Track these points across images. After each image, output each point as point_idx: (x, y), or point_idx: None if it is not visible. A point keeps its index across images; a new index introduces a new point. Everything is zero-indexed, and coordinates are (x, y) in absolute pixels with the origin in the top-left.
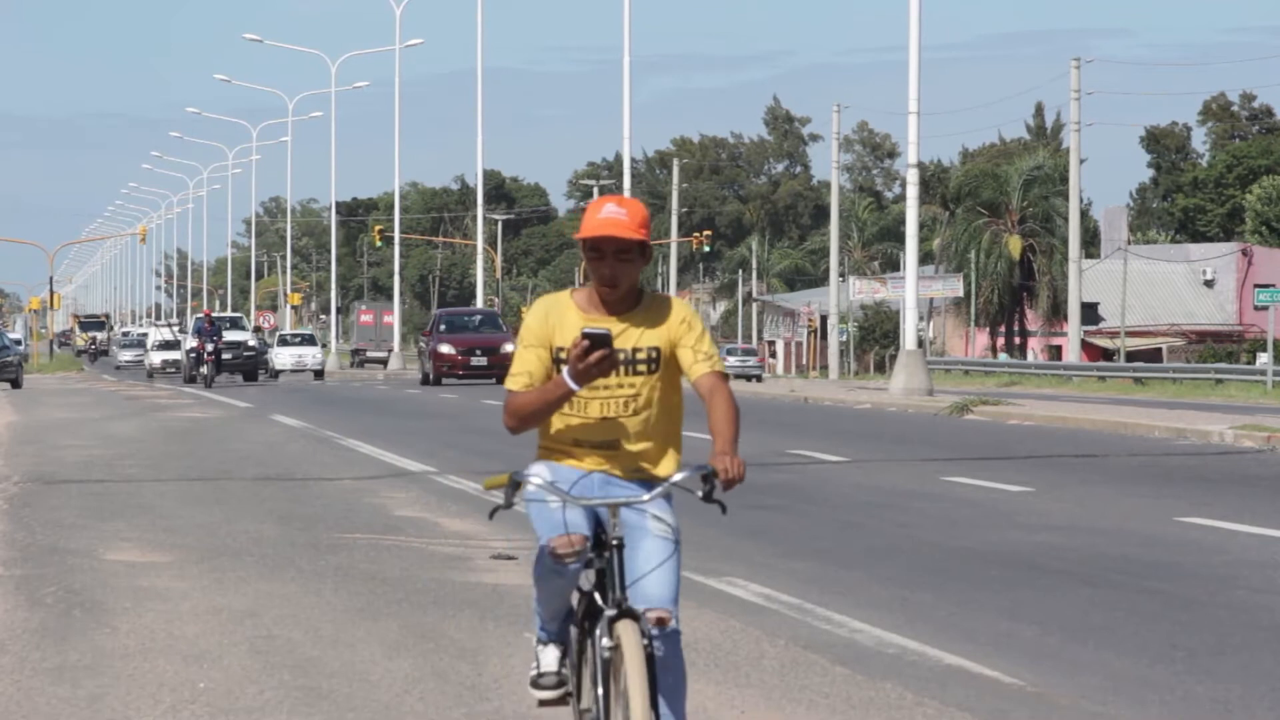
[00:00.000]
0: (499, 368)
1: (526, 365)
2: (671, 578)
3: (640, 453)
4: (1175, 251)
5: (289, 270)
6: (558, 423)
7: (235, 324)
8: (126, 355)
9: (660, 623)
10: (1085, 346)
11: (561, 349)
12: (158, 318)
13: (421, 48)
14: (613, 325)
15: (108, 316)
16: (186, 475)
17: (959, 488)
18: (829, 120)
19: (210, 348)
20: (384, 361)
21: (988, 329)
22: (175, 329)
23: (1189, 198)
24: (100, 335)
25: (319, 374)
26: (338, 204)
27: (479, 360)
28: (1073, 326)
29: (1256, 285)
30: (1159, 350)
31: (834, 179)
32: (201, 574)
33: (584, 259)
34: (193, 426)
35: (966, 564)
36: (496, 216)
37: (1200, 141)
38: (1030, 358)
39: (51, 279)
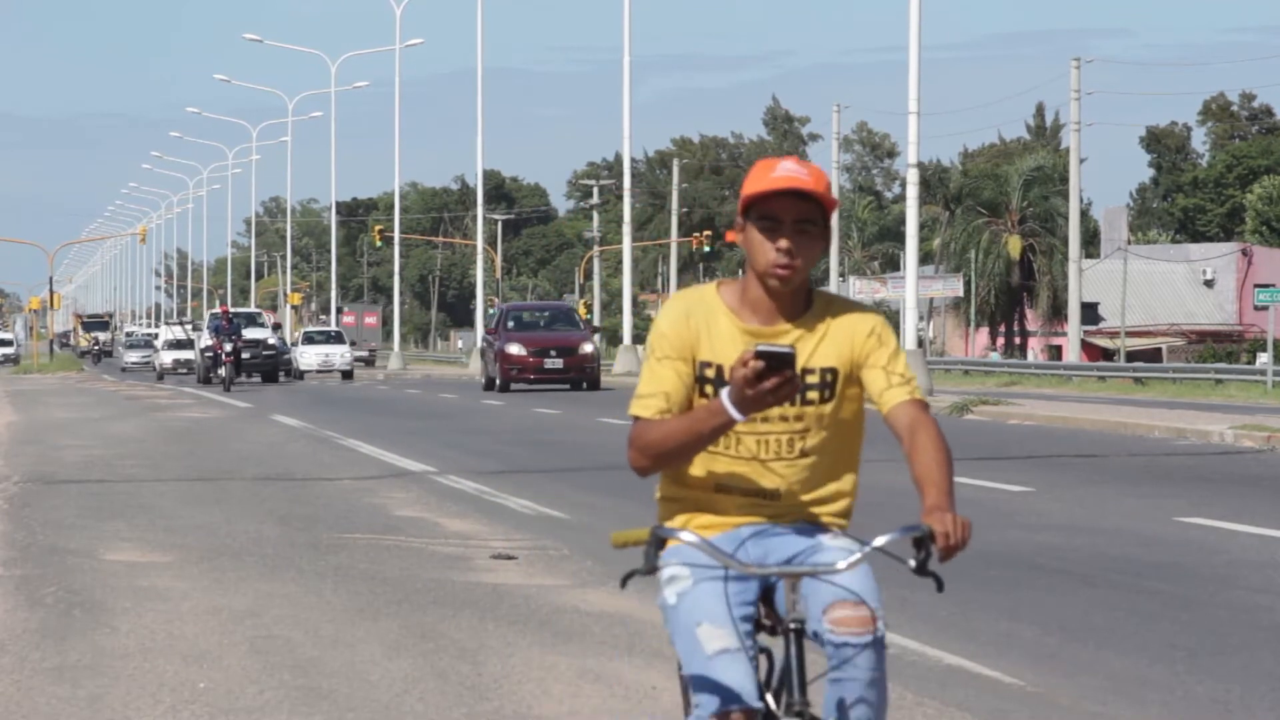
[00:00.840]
0: (576, 371)
1: (661, 383)
2: (874, 688)
3: (807, 504)
4: (1175, 251)
5: (289, 270)
6: (697, 464)
7: (254, 321)
8: (133, 356)
9: None
10: (1085, 346)
11: (708, 364)
12: (157, 318)
13: (421, 48)
14: (779, 335)
15: (111, 316)
16: (186, 475)
17: (959, 488)
18: (829, 120)
19: (229, 347)
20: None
21: (987, 329)
22: (188, 327)
23: (1189, 198)
24: (104, 336)
25: (347, 375)
26: (338, 204)
27: (553, 362)
28: (1073, 326)
29: (1256, 285)
30: (1159, 350)
31: (834, 179)
32: (201, 574)
33: (741, 233)
34: (193, 426)
35: (966, 564)
36: (496, 216)
37: (1200, 141)
38: (1030, 358)
39: (51, 279)
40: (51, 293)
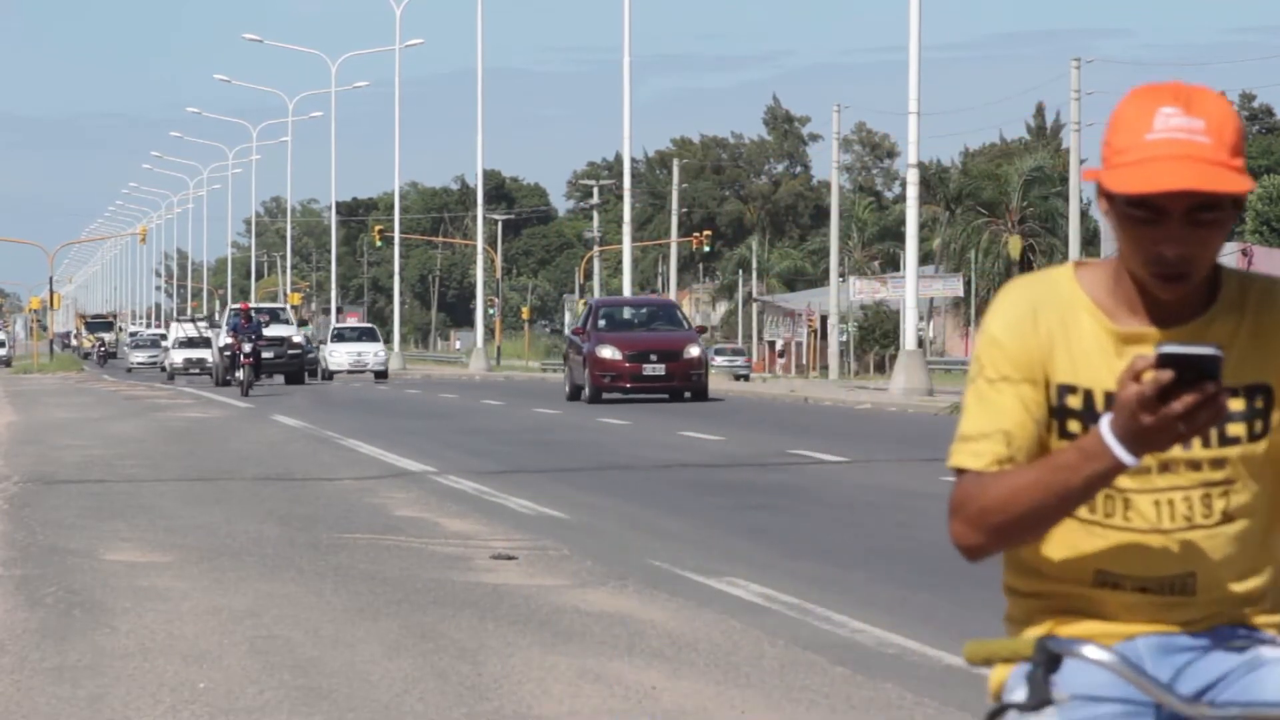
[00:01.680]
0: (681, 379)
1: (999, 418)
2: None
3: (1235, 598)
4: None
5: (289, 270)
6: (1060, 541)
7: (277, 317)
8: (139, 356)
9: None
10: None
11: (1070, 387)
12: (157, 318)
13: (421, 48)
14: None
15: (116, 316)
16: (186, 475)
17: None
18: (829, 120)
19: (248, 347)
20: None
21: None
22: (201, 325)
23: None
24: (109, 336)
25: (382, 375)
26: (338, 204)
27: (654, 368)
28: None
29: None
30: None
31: (834, 179)
32: (201, 574)
33: (1102, 202)
34: (193, 426)
35: (967, 564)
36: (496, 216)
37: None
38: None
39: (51, 279)
40: (51, 293)
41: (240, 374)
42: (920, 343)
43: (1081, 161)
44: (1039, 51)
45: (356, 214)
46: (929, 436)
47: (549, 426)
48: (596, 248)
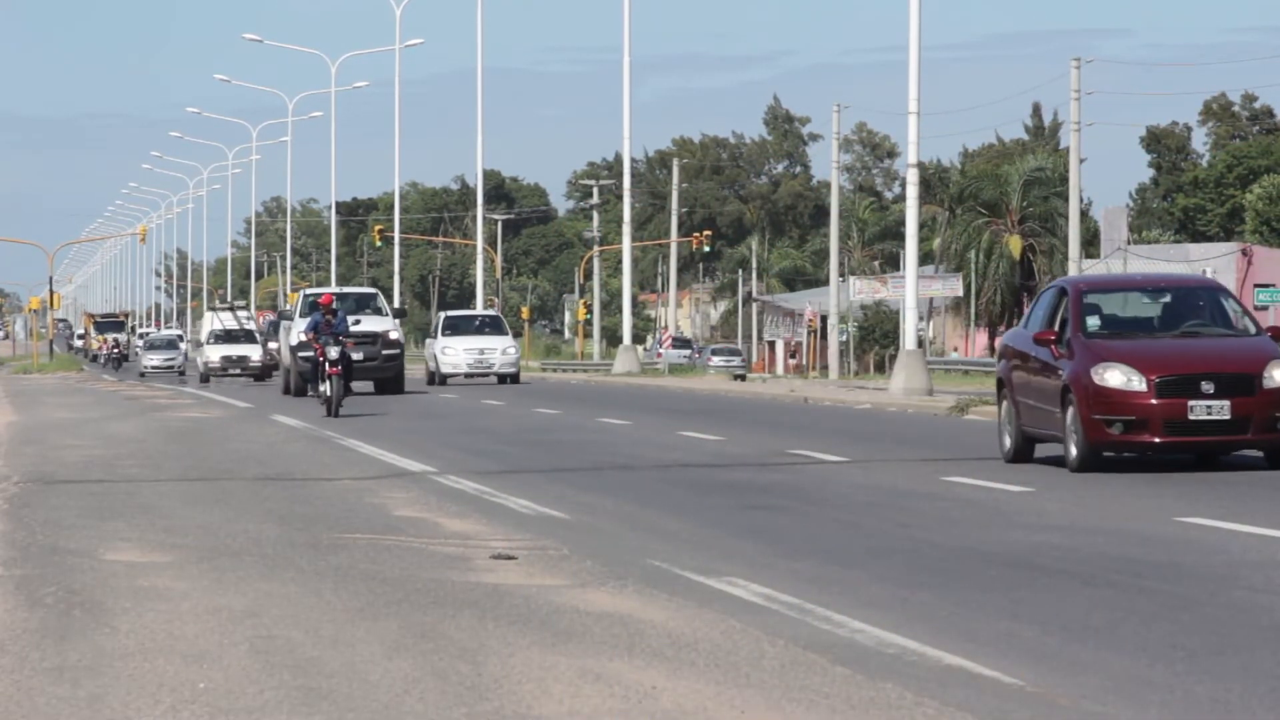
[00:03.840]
0: (1261, 428)
1: None
2: None
3: None
4: (1175, 251)
5: (289, 270)
6: None
7: (368, 306)
8: (155, 358)
9: None
10: None
11: None
12: (157, 318)
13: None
14: None
15: (128, 315)
16: (186, 475)
17: (959, 488)
18: (829, 120)
19: (334, 353)
20: None
21: (987, 329)
22: (243, 315)
23: (1189, 198)
24: (121, 337)
25: (512, 379)
26: (338, 204)
27: (1209, 408)
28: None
29: (1256, 285)
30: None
31: (834, 179)
32: (201, 574)
33: None
34: (193, 426)
35: (966, 564)
36: (496, 216)
37: (1201, 142)
38: None
39: (51, 279)
40: (51, 293)
41: (326, 388)
42: (920, 343)
43: (1081, 161)
44: (1039, 51)
45: (356, 214)
46: (929, 436)
47: (549, 426)
48: (596, 248)
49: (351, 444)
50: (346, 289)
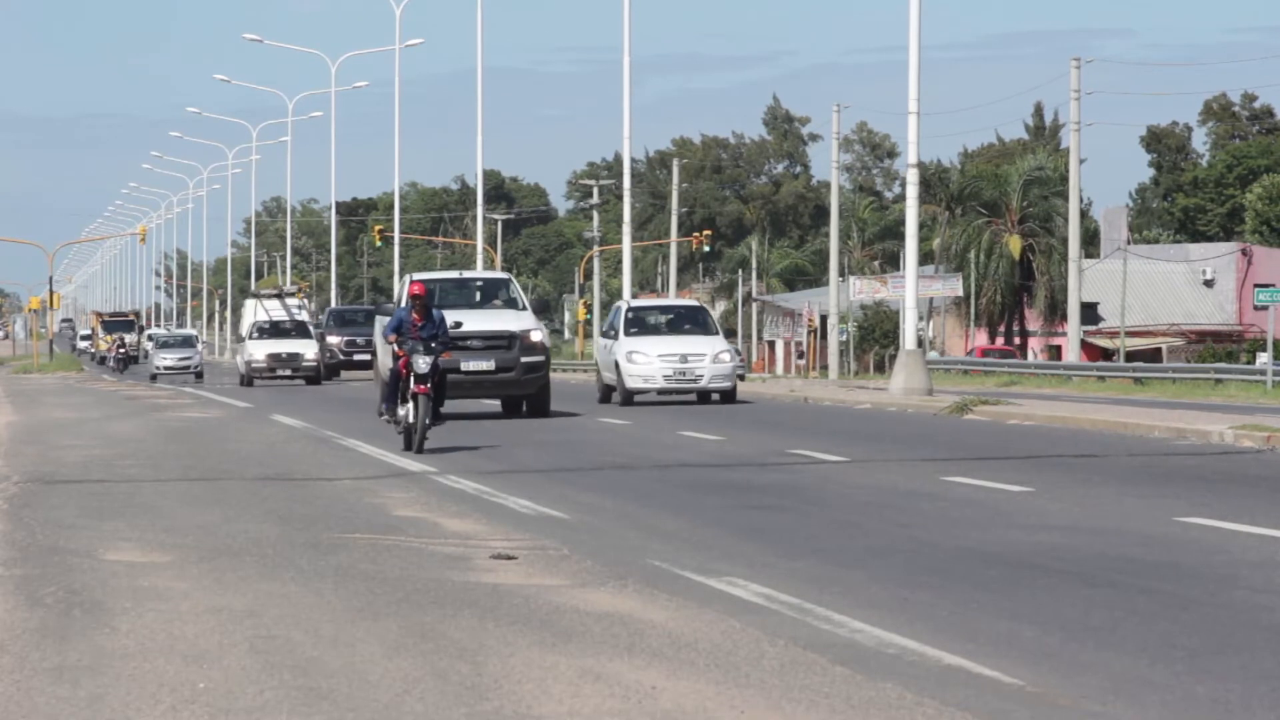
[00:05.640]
0: None
1: None
2: None
3: None
4: (1175, 251)
5: (289, 270)
6: None
7: (495, 294)
8: (168, 357)
9: None
10: (1085, 346)
11: None
12: (157, 318)
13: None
14: None
15: (138, 315)
16: (186, 475)
17: (959, 488)
18: (829, 120)
19: (423, 364)
20: None
21: (987, 329)
22: (296, 304)
23: (1189, 198)
24: (130, 337)
25: (724, 395)
26: (338, 204)
27: None
28: (1072, 326)
29: (1256, 285)
30: (1159, 350)
31: (834, 179)
32: (201, 574)
33: None
34: (193, 426)
35: (966, 564)
36: (496, 216)
37: (1201, 142)
38: (1030, 357)
39: (51, 279)
40: (51, 293)
41: (407, 412)
42: (920, 343)
43: (1081, 161)
44: (1039, 51)
45: (356, 214)
46: (929, 436)
47: (549, 426)
48: (596, 248)
49: (351, 444)
50: (465, 273)
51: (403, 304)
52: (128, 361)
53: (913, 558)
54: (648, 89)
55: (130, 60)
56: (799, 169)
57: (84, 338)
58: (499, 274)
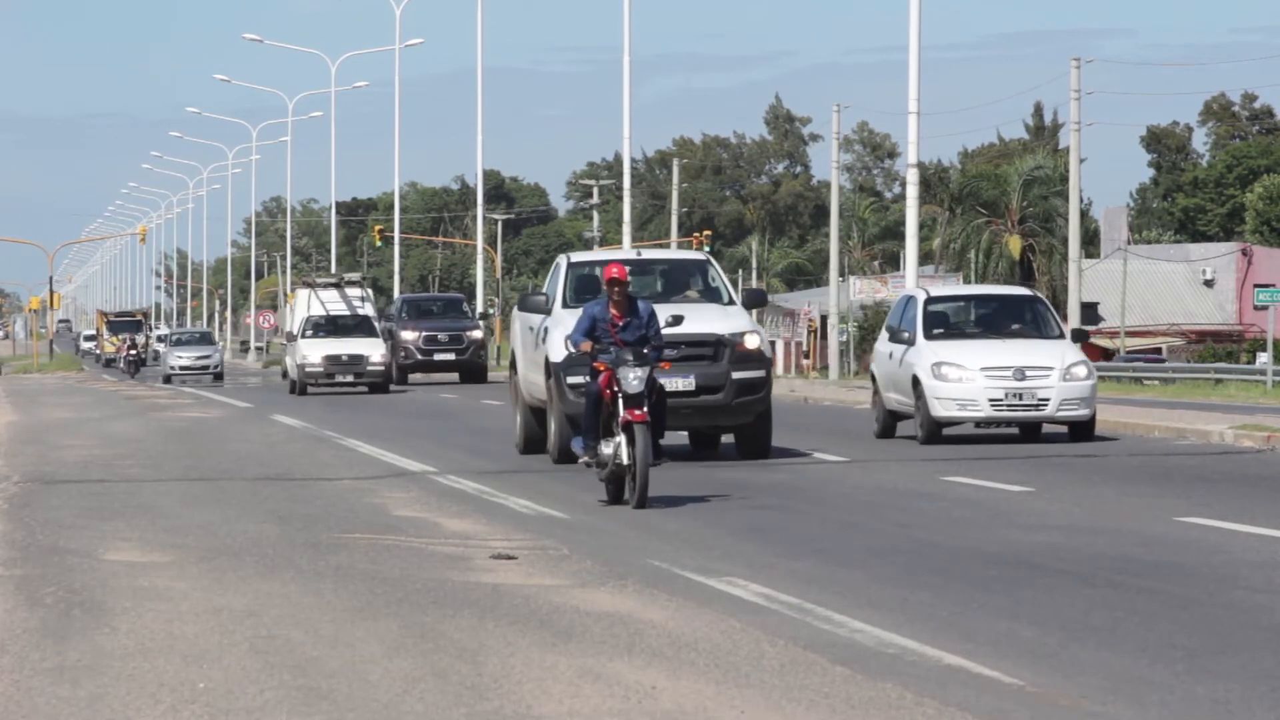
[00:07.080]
0: None
1: None
2: None
3: None
4: (1175, 251)
5: (289, 270)
6: None
7: (687, 282)
8: (184, 356)
9: None
10: (1085, 346)
11: None
12: (158, 318)
13: (421, 48)
14: None
15: (146, 315)
16: (186, 475)
17: (959, 488)
18: (829, 120)
19: (634, 378)
20: None
21: None
22: (358, 296)
23: (1189, 198)
24: (138, 338)
25: (1077, 431)
26: (338, 204)
27: None
28: (1072, 326)
29: (1256, 285)
30: (1159, 350)
31: (834, 179)
32: (201, 574)
33: None
34: (193, 426)
35: (966, 564)
36: (496, 216)
37: (1201, 142)
38: None
39: (51, 279)
40: (51, 293)
41: (616, 449)
42: None
43: (1081, 161)
44: (1039, 51)
45: (356, 214)
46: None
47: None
48: (596, 248)
49: (351, 444)
50: (653, 253)
51: (569, 298)
52: (139, 364)
53: (913, 558)
54: (648, 89)
55: (130, 60)
56: (799, 169)
57: (89, 338)
58: (694, 254)
